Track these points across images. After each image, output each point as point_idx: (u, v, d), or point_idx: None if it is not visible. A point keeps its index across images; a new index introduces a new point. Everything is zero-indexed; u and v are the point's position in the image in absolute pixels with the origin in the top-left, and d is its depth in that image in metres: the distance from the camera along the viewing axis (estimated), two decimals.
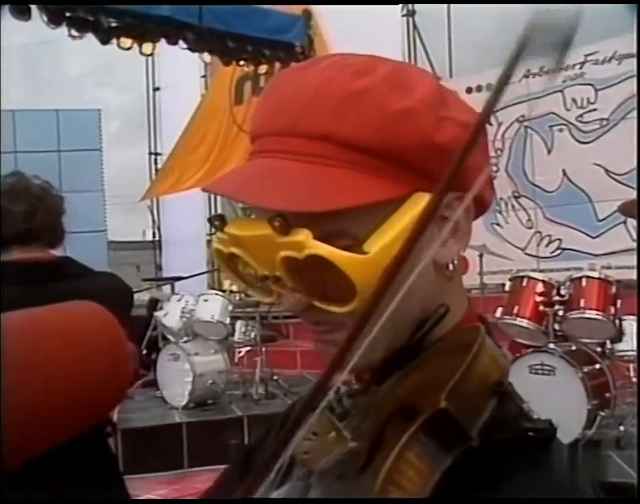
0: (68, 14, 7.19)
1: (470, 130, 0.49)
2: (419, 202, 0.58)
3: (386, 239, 0.57)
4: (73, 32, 7.39)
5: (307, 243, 0.56)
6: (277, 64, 8.66)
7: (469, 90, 6.95)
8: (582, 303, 4.13)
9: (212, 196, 12.33)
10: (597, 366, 4.11)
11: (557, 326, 4.23)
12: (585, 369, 3.95)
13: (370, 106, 0.59)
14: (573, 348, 4.16)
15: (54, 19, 7.16)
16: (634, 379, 4.22)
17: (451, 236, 0.62)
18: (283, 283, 0.60)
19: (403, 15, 8.95)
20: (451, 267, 0.64)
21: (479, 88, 7.07)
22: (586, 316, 4.12)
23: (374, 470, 0.52)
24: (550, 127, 7.17)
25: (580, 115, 6.98)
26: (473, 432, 0.54)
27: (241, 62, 8.41)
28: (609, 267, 6.03)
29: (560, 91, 7.04)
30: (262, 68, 8.57)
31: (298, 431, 0.50)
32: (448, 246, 0.62)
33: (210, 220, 0.62)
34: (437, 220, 0.60)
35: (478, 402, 0.56)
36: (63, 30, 7.14)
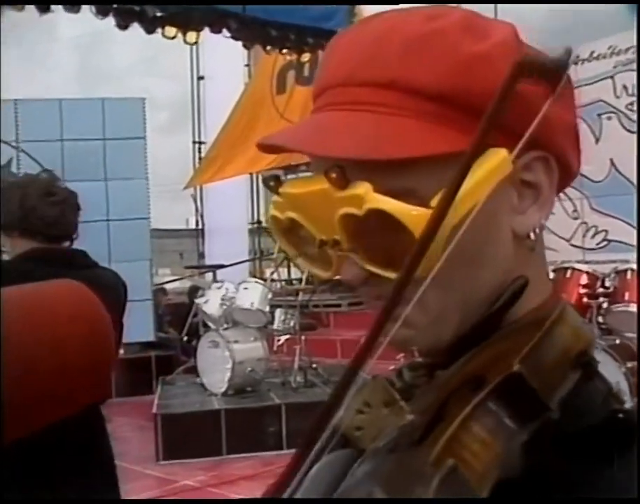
0: (114, 5, 7.30)
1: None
2: (494, 158, 0.51)
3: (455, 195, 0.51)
4: (120, 22, 7.50)
5: (367, 196, 0.50)
6: (320, 52, 8.64)
7: None
8: (626, 296, 4.03)
9: (254, 185, 12.41)
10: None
11: (600, 319, 4.14)
12: (629, 365, 3.85)
13: (441, 50, 0.53)
14: (617, 342, 4.06)
15: (102, 10, 7.27)
16: None
17: (532, 202, 0.56)
18: (342, 247, 0.54)
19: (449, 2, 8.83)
20: (532, 236, 0.56)
21: None
22: (630, 309, 4.01)
23: (432, 442, 0.46)
24: (599, 115, 6.98)
25: (631, 103, 6.78)
26: (552, 403, 0.48)
27: (284, 51, 8.41)
28: None
29: (610, 77, 6.85)
30: (305, 57, 8.57)
31: (342, 402, 0.44)
32: (528, 214, 0.55)
33: (265, 180, 0.57)
34: (515, 183, 0.54)
35: (558, 372, 0.50)
36: (113, 21, 7.26)
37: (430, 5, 0.58)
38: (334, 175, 0.50)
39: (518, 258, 0.56)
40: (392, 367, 0.62)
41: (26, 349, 0.35)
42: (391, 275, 0.52)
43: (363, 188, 0.51)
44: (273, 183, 0.56)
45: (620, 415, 0.51)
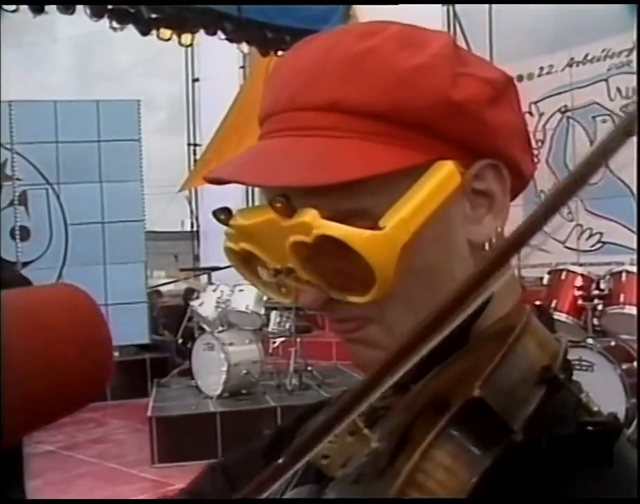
0: (109, 6, 7.29)
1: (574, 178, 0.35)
2: (441, 171, 0.51)
3: (403, 212, 0.50)
4: (114, 24, 7.49)
5: (314, 223, 0.50)
6: None
7: None
8: (621, 298, 4.03)
9: (250, 188, 12.40)
10: (636, 363, 4.01)
11: (595, 321, 4.14)
12: (624, 366, 3.85)
13: (377, 67, 0.52)
14: (612, 343, 4.06)
15: (96, 12, 7.26)
16: None
17: (487, 211, 0.55)
18: (297, 275, 0.53)
19: (444, 3, 8.84)
20: (487, 245, 0.55)
21: (520, 78, 6.95)
22: (626, 311, 4.02)
23: (394, 472, 0.46)
24: (593, 117, 7.00)
25: (625, 106, 6.80)
26: (515, 425, 0.47)
27: (280, 53, 8.40)
28: None
29: (605, 80, 6.87)
30: None
31: (323, 439, 0.42)
32: (484, 224, 0.55)
33: (214, 213, 0.56)
34: (467, 193, 0.54)
35: (521, 391, 0.49)
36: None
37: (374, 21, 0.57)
38: (279, 204, 0.50)
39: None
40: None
41: (24, 354, 0.34)
42: (347, 298, 0.52)
43: (309, 215, 0.50)
44: (223, 216, 0.56)
45: (589, 427, 0.49)
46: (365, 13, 8.71)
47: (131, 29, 7.34)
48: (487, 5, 8.38)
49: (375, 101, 0.51)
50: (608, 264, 5.38)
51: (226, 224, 0.56)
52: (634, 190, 6.66)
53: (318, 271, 0.53)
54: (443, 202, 0.51)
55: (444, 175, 0.51)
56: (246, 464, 0.74)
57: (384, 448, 0.49)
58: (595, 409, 0.52)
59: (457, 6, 8.81)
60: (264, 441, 0.75)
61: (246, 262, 0.59)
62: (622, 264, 4.48)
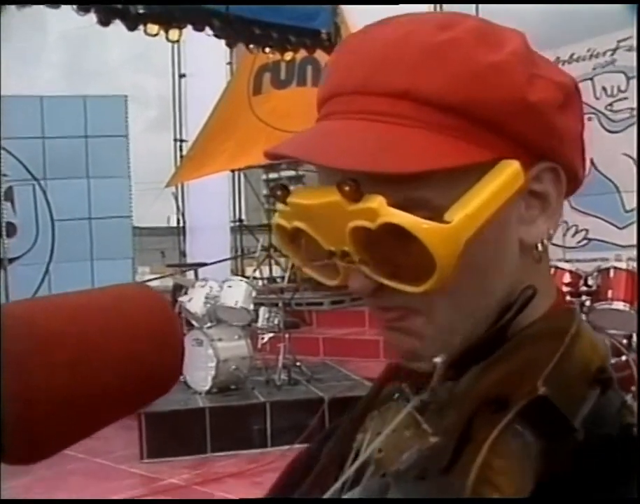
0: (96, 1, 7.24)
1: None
2: (506, 170, 0.51)
3: (469, 208, 0.50)
4: (101, 19, 7.44)
5: (381, 210, 0.49)
6: (303, 52, 8.64)
7: None
8: (609, 294, 4.07)
9: (236, 183, 12.38)
10: (623, 358, 4.05)
11: (584, 317, 4.18)
12: (613, 361, 3.90)
13: (455, 60, 0.52)
14: None
15: (83, 7, 7.21)
16: None
17: (541, 213, 0.55)
18: (352, 259, 0.53)
19: (432, 3, 8.87)
20: (540, 247, 0.56)
21: None
22: (613, 307, 4.06)
23: (463, 468, 0.46)
24: None
25: (610, 104, 6.87)
26: (576, 423, 0.48)
27: (267, 49, 8.39)
28: (635, 259, 5.95)
29: (590, 79, 6.93)
30: (288, 56, 8.55)
31: (362, 427, 0.44)
32: (537, 225, 0.55)
33: (272, 190, 0.56)
34: (523, 193, 0.54)
35: (580, 391, 0.50)
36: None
37: (438, 12, 0.58)
38: (347, 188, 0.50)
39: (525, 268, 0.56)
40: (403, 384, 0.60)
41: (106, 351, 0.36)
42: (400, 287, 0.52)
43: (376, 202, 0.50)
44: (280, 192, 0.55)
45: (635, 429, 0.51)
46: (352, 10, 8.73)
47: (120, 24, 7.29)
48: (473, 5, 8.43)
49: (450, 93, 0.51)
50: (594, 260, 5.43)
51: (283, 202, 0.56)
52: (619, 186, 6.74)
53: (375, 257, 0.53)
54: (506, 202, 0.52)
55: (510, 175, 0.52)
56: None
57: (444, 444, 0.50)
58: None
59: (445, 6, 8.85)
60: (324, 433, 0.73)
61: (293, 241, 0.59)
62: (608, 260, 4.52)
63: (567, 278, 4.23)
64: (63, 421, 0.37)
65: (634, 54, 6.65)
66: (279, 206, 0.57)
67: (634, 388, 4.02)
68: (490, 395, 0.50)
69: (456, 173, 0.51)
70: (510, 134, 0.52)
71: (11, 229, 7.47)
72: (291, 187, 0.56)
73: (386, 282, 0.52)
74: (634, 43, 6.64)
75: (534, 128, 0.53)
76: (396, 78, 0.52)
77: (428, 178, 0.50)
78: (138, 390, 0.40)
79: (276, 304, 6.37)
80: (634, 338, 4.20)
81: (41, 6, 6.75)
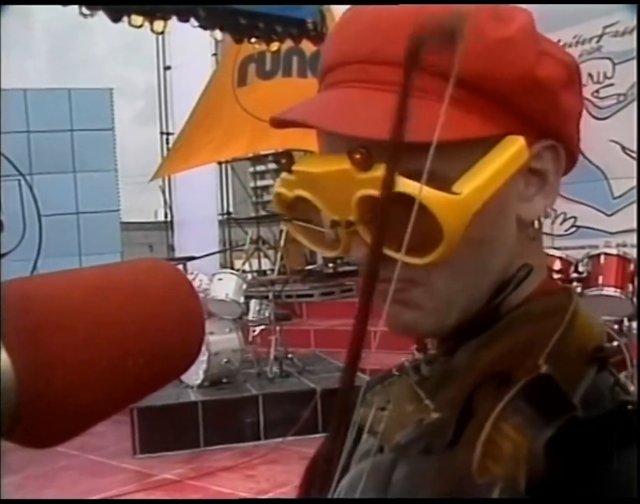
0: None
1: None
2: (512, 146, 0.52)
3: (478, 181, 0.51)
4: (84, 10, 7.37)
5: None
6: (288, 42, 8.60)
7: None
8: (600, 280, 4.09)
9: (224, 176, 12.34)
10: (615, 343, 4.06)
11: None
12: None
13: (468, 33, 0.51)
14: None
15: None
16: None
17: (539, 191, 0.56)
18: (355, 229, 0.53)
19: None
20: (536, 224, 0.58)
21: None
22: (604, 293, 4.08)
23: (467, 443, 0.47)
24: None
25: (597, 91, 6.88)
26: (575, 401, 0.49)
27: (253, 39, 8.34)
28: (624, 245, 5.96)
29: None
30: (274, 46, 8.51)
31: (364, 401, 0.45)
32: (534, 202, 0.56)
33: (277, 156, 0.56)
34: (524, 171, 0.55)
35: (578, 369, 0.51)
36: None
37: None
38: (358, 156, 0.50)
39: (520, 244, 0.57)
40: (404, 359, 0.62)
41: (126, 328, 0.34)
42: (404, 258, 0.51)
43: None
44: (285, 159, 0.55)
45: (629, 406, 0.51)
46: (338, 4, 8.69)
47: (100, 17, 7.22)
48: None
49: (461, 67, 0.50)
50: (583, 247, 5.46)
51: (287, 169, 0.55)
52: (607, 173, 6.77)
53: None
54: (510, 177, 0.52)
55: (516, 150, 0.52)
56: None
57: (446, 418, 0.50)
58: (631, 388, 0.54)
59: None
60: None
61: (291, 210, 0.59)
62: (597, 247, 4.54)
63: (557, 264, 4.25)
64: (81, 402, 0.35)
65: (620, 39, 6.68)
66: (283, 174, 0.56)
67: (625, 372, 4.05)
68: (491, 370, 0.51)
69: (464, 145, 0.52)
70: (517, 110, 0.53)
71: None
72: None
73: (389, 253, 0.52)
74: (620, 28, 6.67)
75: (541, 105, 0.53)
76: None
77: (438, 149, 0.49)
78: (157, 369, 0.38)
79: (267, 297, 6.36)
80: (625, 323, 4.22)
81: None
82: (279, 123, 0.56)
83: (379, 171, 0.49)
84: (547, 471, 0.46)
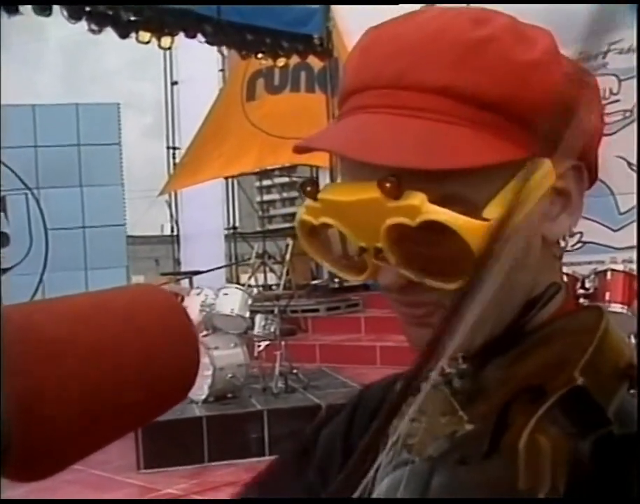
0: (87, 8, 7.23)
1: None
2: (541, 168, 0.52)
3: (507, 206, 0.50)
4: (93, 26, 7.43)
5: (423, 207, 0.49)
6: (296, 57, 8.65)
7: None
8: (607, 296, 4.08)
9: (230, 191, 12.37)
10: None
11: None
12: None
13: (494, 57, 0.52)
14: None
15: (74, 14, 7.20)
16: None
17: (563, 210, 0.57)
18: (384, 255, 0.53)
19: (422, 3, 8.89)
20: (562, 243, 0.59)
21: None
22: (611, 309, 4.06)
23: (504, 453, 0.47)
24: None
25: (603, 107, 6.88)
26: (610, 415, 0.49)
27: (259, 55, 8.39)
28: (631, 261, 5.94)
29: None
30: (281, 61, 8.56)
31: (398, 414, 0.45)
32: (559, 221, 0.57)
33: (302, 185, 0.55)
34: (549, 191, 0.55)
35: (611, 385, 0.51)
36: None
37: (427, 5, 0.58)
38: (388, 184, 0.50)
39: (545, 263, 0.58)
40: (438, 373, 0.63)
41: (121, 356, 0.33)
42: (433, 283, 0.52)
43: (418, 199, 0.50)
44: (310, 188, 0.55)
45: None
46: (344, 15, 8.73)
47: (112, 32, 7.30)
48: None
49: (488, 91, 0.52)
50: (589, 263, 5.44)
51: (313, 197, 0.55)
52: (613, 189, 6.75)
53: (408, 254, 0.53)
54: (539, 200, 0.52)
55: (544, 173, 0.52)
56: (330, 447, 0.72)
57: (481, 430, 0.50)
58: None
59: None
60: (343, 421, 0.73)
61: (315, 237, 0.59)
62: (603, 263, 4.53)
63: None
64: (74, 434, 0.35)
65: (625, 56, 6.68)
66: (307, 201, 0.56)
67: (632, 391, 4.01)
68: (526, 384, 0.51)
69: (491, 169, 0.52)
70: (543, 131, 0.53)
71: (4, 239, 7.43)
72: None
73: (417, 279, 0.53)
74: (626, 45, 6.68)
75: (566, 126, 0.52)
76: (434, 73, 0.53)
77: (465, 174, 0.51)
78: (154, 398, 0.38)
79: (272, 311, 6.34)
80: (632, 339, 4.19)
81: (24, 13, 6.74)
82: (305, 150, 0.56)
83: (411, 200, 0.50)
84: (585, 481, 0.47)
